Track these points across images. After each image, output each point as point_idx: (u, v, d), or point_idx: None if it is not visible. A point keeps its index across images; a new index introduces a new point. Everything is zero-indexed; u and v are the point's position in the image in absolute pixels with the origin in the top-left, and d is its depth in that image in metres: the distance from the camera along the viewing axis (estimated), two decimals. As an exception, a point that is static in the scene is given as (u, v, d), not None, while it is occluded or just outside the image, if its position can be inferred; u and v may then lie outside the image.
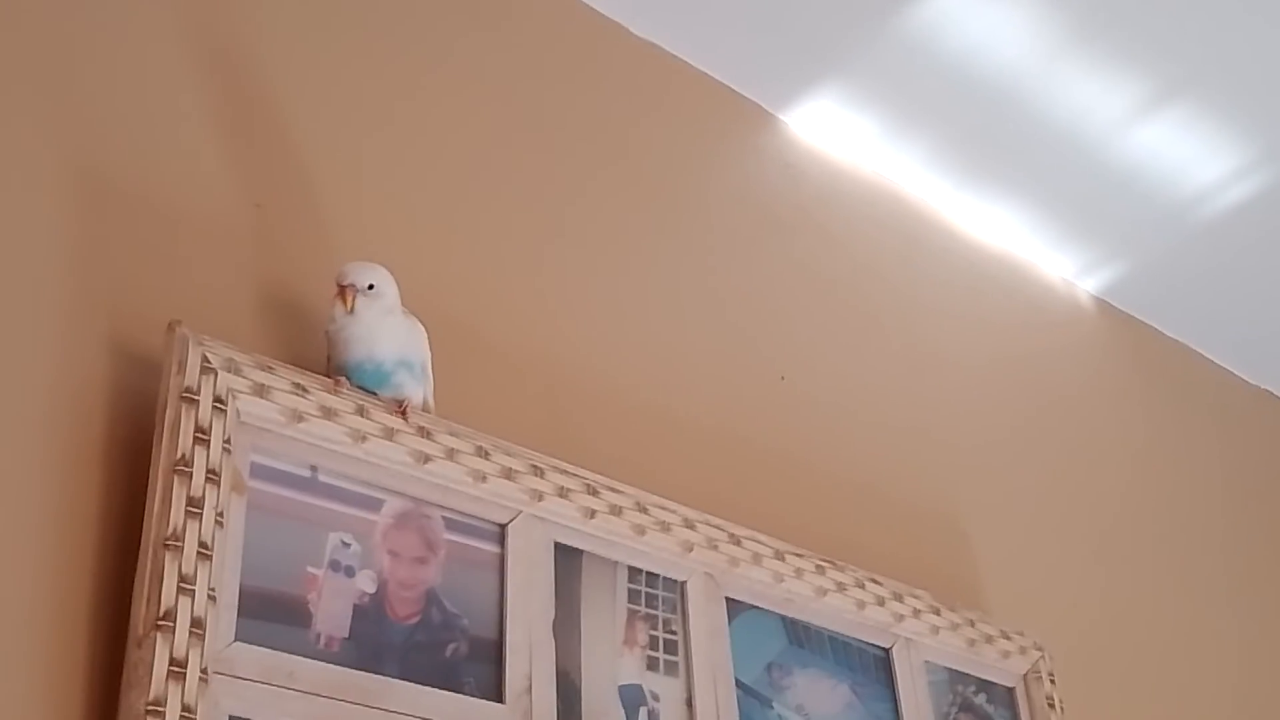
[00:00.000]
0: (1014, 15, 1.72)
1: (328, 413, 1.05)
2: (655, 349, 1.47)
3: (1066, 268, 2.12)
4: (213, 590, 0.93)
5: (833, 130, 1.84)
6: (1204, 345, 2.30)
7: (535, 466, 1.17)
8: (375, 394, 1.09)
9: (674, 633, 1.23)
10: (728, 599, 1.28)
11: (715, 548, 1.28)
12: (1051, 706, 1.49)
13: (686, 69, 1.72)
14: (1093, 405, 2.05)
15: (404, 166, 1.34)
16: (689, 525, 1.27)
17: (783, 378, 1.58)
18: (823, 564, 1.36)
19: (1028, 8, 1.71)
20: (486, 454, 1.14)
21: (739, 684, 1.25)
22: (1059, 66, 1.79)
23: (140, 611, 0.90)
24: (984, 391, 1.86)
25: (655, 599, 1.23)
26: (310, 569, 1.01)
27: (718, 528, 1.29)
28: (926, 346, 1.82)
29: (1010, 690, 1.50)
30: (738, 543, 1.30)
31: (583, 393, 1.36)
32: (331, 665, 0.98)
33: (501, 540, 1.14)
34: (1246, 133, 1.92)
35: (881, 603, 1.39)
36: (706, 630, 1.25)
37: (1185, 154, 1.94)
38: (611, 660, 1.17)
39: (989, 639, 1.48)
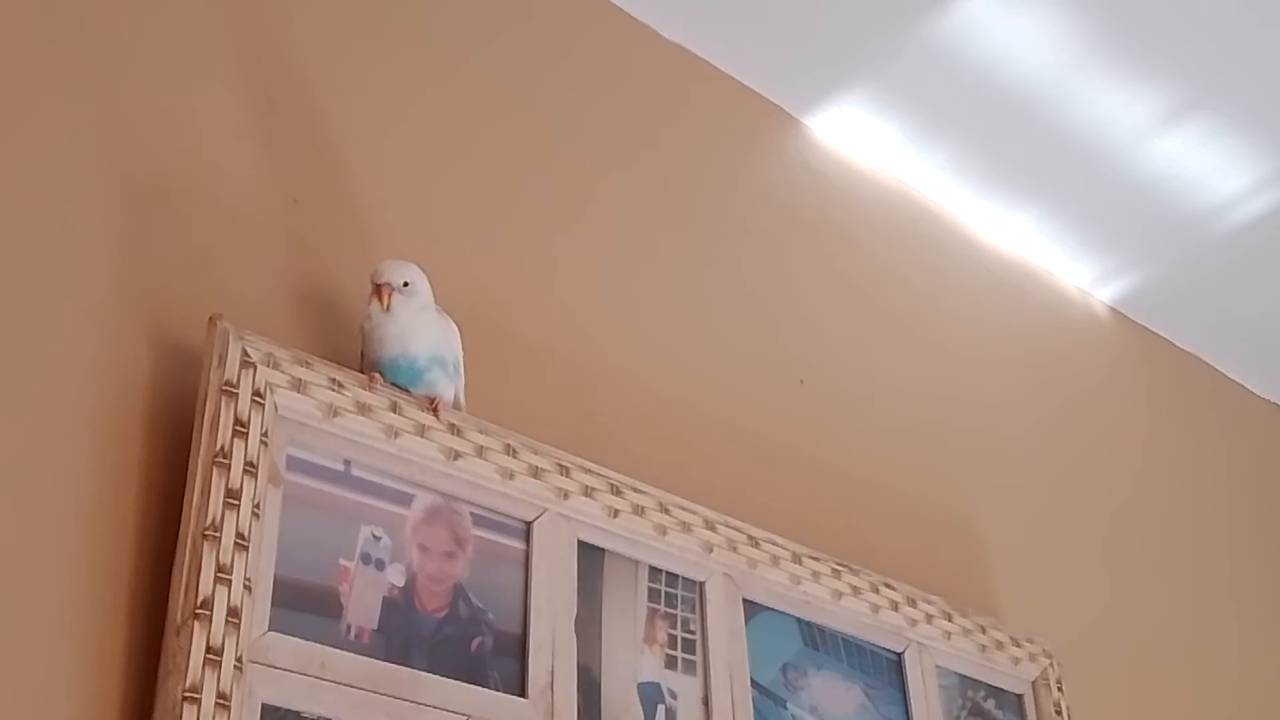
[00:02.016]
0: (1038, 25, 1.73)
1: (362, 408, 1.07)
2: (680, 350, 1.49)
3: (1083, 277, 2.13)
4: (249, 580, 0.95)
5: (856, 135, 1.86)
6: (1215, 357, 2.31)
7: (561, 465, 1.19)
8: (408, 390, 1.11)
9: (692, 632, 1.25)
10: (745, 600, 1.30)
11: (735, 549, 1.30)
12: (1059, 713, 1.51)
13: (714, 72, 1.74)
14: (1105, 414, 2.06)
15: (438, 165, 1.36)
16: (710, 526, 1.29)
17: (802, 381, 1.60)
18: (839, 567, 1.38)
19: (1052, 18, 1.72)
20: (515, 452, 1.16)
21: (755, 684, 1.27)
22: (1082, 77, 1.81)
23: (179, 600, 0.92)
24: (1000, 398, 1.88)
25: (675, 598, 1.25)
26: (342, 561, 1.03)
27: (737, 529, 1.31)
28: (944, 352, 1.83)
29: (1019, 697, 1.51)
30: (756, 545, 1.32)
31: (608, 392, 1.38)
32: (362, 656, 1.00)
33: (527, 537, 1.16)
34: (1266, 147, 1.93)
35: (896, 607, 1.41)
36: (724, 630, 1.27)
37: (1204, 167, 1.96)
38: (631, 657, 1.19)
39: (1000, 645, 1.50)
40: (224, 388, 0.99)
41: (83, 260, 1.05)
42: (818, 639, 1.36)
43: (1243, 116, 1.88)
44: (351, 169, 1.27)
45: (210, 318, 1.02)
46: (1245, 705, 1.94)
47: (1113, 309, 2.18)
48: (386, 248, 1.21)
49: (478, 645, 1.09)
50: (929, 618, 1.44)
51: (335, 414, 1.05)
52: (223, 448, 0.97)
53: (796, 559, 1.35)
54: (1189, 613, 1.95)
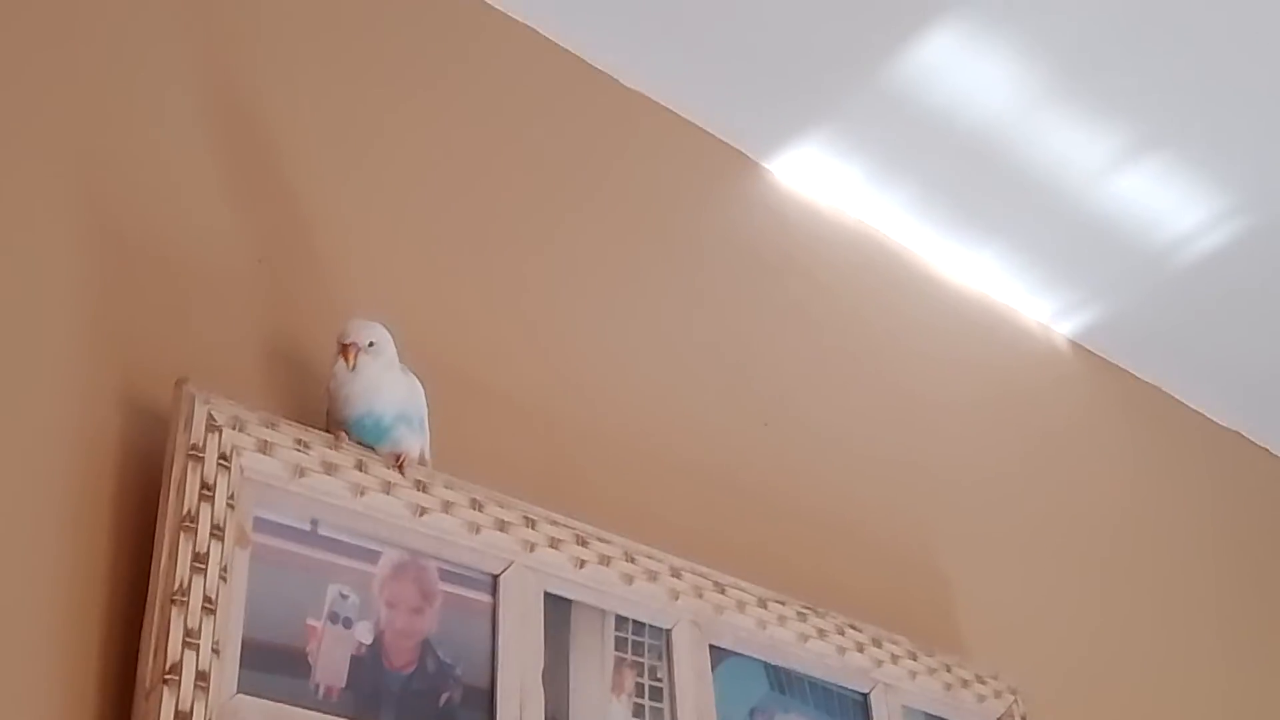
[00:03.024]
0: (997, 68, 1.76)
1: (329, 467, 1.08)
2: (645, 396, 1.51)
3: (1044, 312, 2.16)
4: (217, 644, 0.96)
5: (817, 178, 1.88)
6: (1177, 388, 2.34)
7: (527, 518, 1.20)
8: (374, 448, 1.13)
9: (660, 679, 1.26)
10: (712, 646, 1.31)
11: (700, 595, 1.32)
12: (1024, 750, 1.53)
13: (674, 119, 1.76)
14: (1069, 447, 2.09)
15: (402, 221, 1.37)
16: (675, 574, 1.30)
17: (766, 424, 1.62)
18: (805, 610, 1.40)
19: (1010, 61, 1.76)
20: (480, 506, 1.17)
21: (722, 729, 1.28)
22: (1040, 117, 1.84)
23: (148, 665, 0.93)
24: (963, 435, 1.90)
25: (642, 646, 1.27)
26: (310, 621, 1.04)
27: (703, 576, 1.33)
28: (907, 391, 1.86)
29: (985, 733, 1.53)
30: (722, 591, 1.33)
31: (574, 440, 1.39)
32: (331, 715, 1.01)
33: (494, 590, 1.17)
34: (1220, 183, 1.97)
35: (861, 648, 1.43)
36: (691, 676, 1.28)
37: (1161, 204, 1.99)
38: (600, 707, 1.20)
39: (965, 683, 1.52)
40: (190, 452, 1.00)
41: (51, 321, 1.06)
42: (784, 682, 1.37)
43: (1197, 154, 1.92)
44: (315, 227, 1.29)
45: (176, 381, 1.04)
46: (1209, 736, 1.96)
47: (1074, 343, 2.21)
48: (352, 305, 1.22)
49: (446, 700, 1.10)
50: (894, 658, 1.46)
51: (301, 474, 1.07)
52: (189, 511, 0.98)
53: (762, 603, 1.36)
54: (1154, 646, 1.97)
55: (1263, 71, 1.80)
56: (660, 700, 1.25)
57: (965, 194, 1.94)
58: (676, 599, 1.30)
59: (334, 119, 1.37)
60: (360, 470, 1.10)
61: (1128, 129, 1.87)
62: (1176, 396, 2.35)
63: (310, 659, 1.03)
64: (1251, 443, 2.48)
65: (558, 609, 1.21)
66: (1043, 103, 1.82)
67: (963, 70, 1.76)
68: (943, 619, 1.65)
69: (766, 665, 1.36)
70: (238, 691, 0.97)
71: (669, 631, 1.29)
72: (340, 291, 1.27)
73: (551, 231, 1.53)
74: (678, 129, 1.76)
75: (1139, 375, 2.30)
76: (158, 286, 1.14)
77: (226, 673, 0.97)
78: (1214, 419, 2.41)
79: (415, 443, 1.15)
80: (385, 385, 1.14)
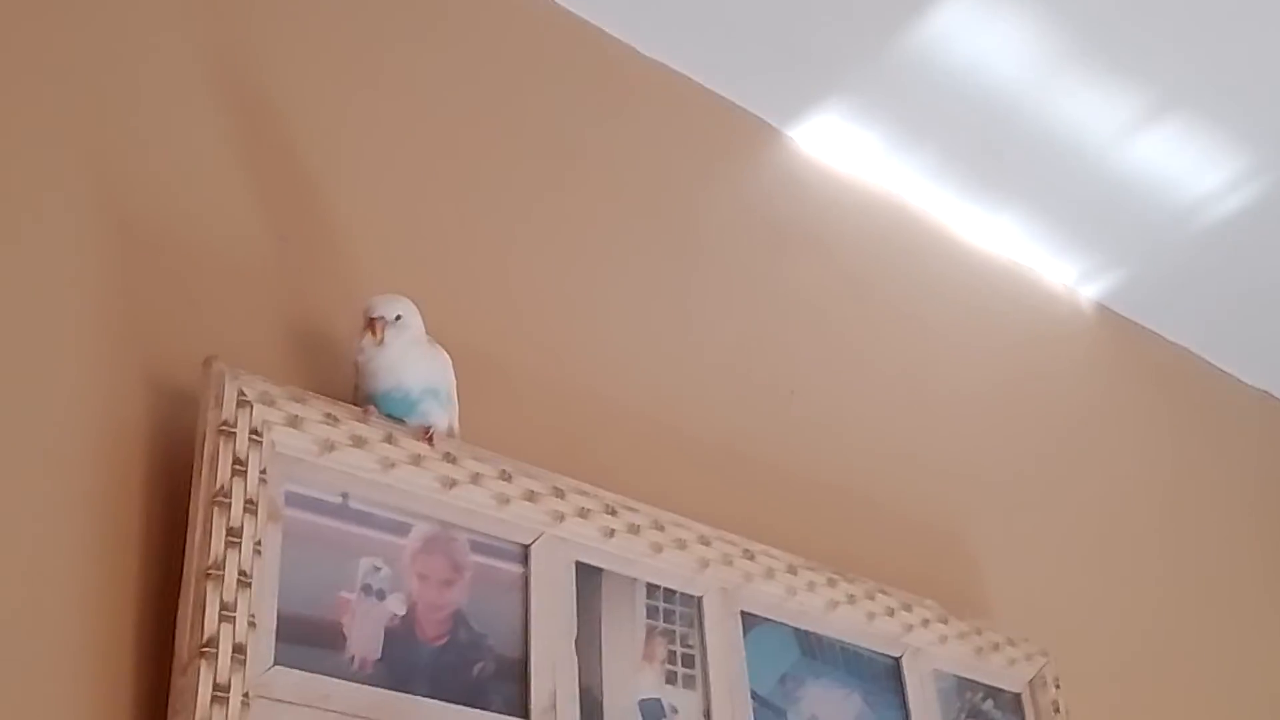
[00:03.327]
0: (1015, 30, 1.75)
1: (358, 441, 1.09)
2: (669, 367, 1.51)
3: (1069, 275, 2.15)
4: (253, 617, 0.97)
5: (838, 145, 1.88)
6: (1204, 349, 2.34)
7: (556, 488, 1.21)
8: (403, 422, 1.13)
9: (691, 647, 1.27)
10: (742, 613, 1.32)
11: (730, 563, 1.32)
12: (1057, 711, 1.53)
13: (694, 88, 1.76)
14: (1095, 411, 2.09)
15: (424, 196, 1.38)
16: (704, 542, 1.31)
17: (792, 392, 1.62)
18: (834, 577, 1.40)
19: (1029, 23, 1.75)
20: (509, 477, 1.18)
21: (754, 695, 1.29)
22: (1059, 80, 1.83)
23: (184, 639, 0.94)
24: (989, 400, 1.90)
25: (673, 614, 1.27)
26: (343, 593, 1.05)
27: (732, 544, 1.33)
28: (931, 357, 1.85)
29: (1017, 696, 1.54)
30: (751, 558, 1.34)
31: (600, 413, 1.40)
32: (365, 686, 1.02)
33: (525, 560, 1.18)
34: (1242, 143, 1.95)
35: (891, 613, 1.43)
36: (722, 644, 1.29)
37: (1183, 163, 1.98)
38: (632, 675, 1.21)
39: (995, 647, 1.52)
40: (221, 428, 1.01)
41: (78, 306, 1.07)
42: (815, 648, 1.38)
43: (1218, 112, 1.91)
44: (338, 204, 1.30)
45: (205, 359, 1.04)
46: (1239, 696, 1.96)
47: (1100, 305, 2.20)
48: (376, 281, 1.23)
49: (479, 670, 1.11)
50: (924, 622, 1.46)
51: (331, 448, 1.07)
52: (222, 487, 0.99)
53: (792, 570, 1.37)
54: (1183, 605, 1.97)
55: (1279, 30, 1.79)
56: (692, 667, 1.26)
57: (986, 158, 1.94)
58: (706, 567, 1.30)
59: (351, 97, 1.37)
60: (389, 443, 1.11)
61: (1147, 89, 1.86)
62: (1204, 357, 2.34)
63: (345, 631, 1.04)
64: (1281, 402, 2.47)
65: (588, 579, 1.22)
66: (1061, 64, 1.81)
67: (981, 34, 1.75)
68: (971, 585, 1.65)
69: (797, 631, 1.37)
70: (274, 664, 0.98)
71: (699, 599, 1.29)
72: (364, 267, 1.27)
73: (574, 203, 1.53)
74: (698, 98, 1.76)
75: (1166, 336, 2.29)
76: (182, 269, 1.15)
77: (262, 645, 0.97)
78: (1242, 379, 2.40)
79: (443, 416, 1.16)
80: (412, 359, 1.14)
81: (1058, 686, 1.55)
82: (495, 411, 1.27)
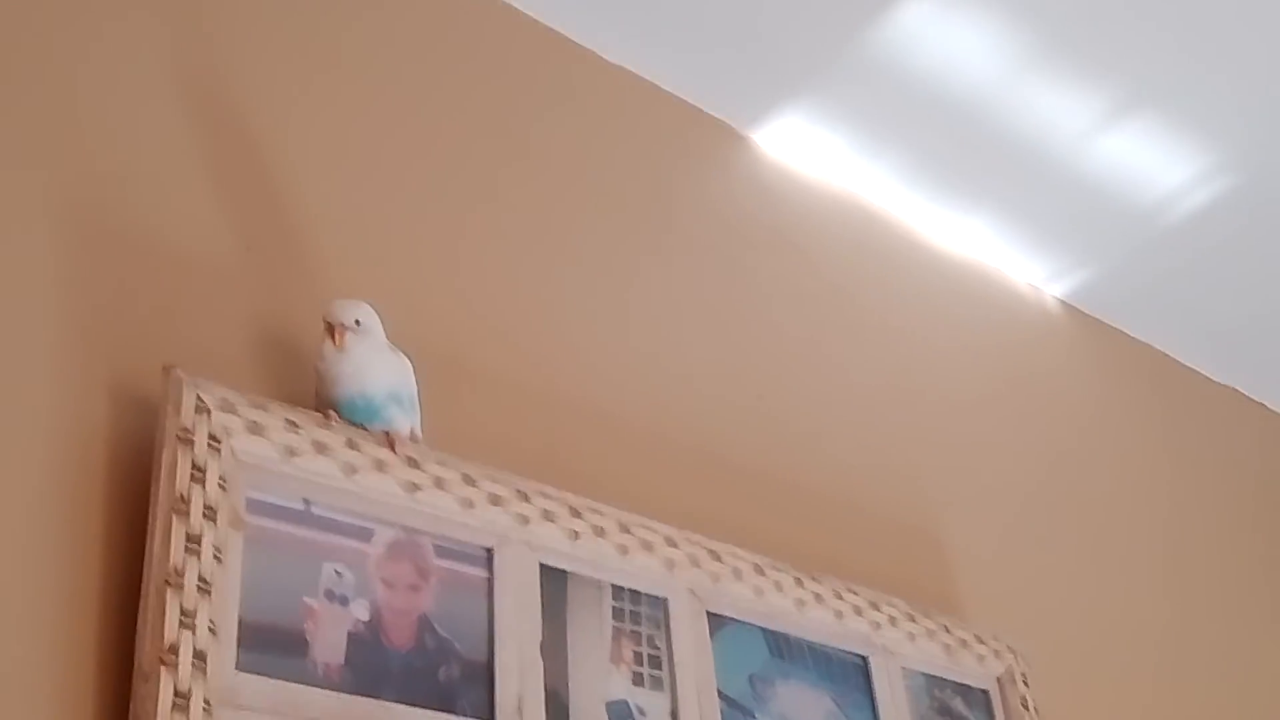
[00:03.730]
0: (980, 32, 1.76)
1: (320, 448, 1.09)
2: (635, 369, 1.51)
3: (1035, 274, 2.17)
4: (213, 624, 0.96)
5: (803, 148, 1.89)
6: (1170, 346, 2.35)
7: (520, 492, 1.21)
8: (365, 428, 1.13)
9: (658, 648, 1.27)
10: (710, 614, 1.32)
11: (697, 565, 1.32)
12: (1025, 708, 1.53)
13: (659, 93, 1.77)
14: (1063, 409, 2.10)
15: (386, 202, 1.38)
16: (671, 543, 1.31)
17: (760, 396, 1.62)
18: (801, 577, 1.40)
19: (993, 25, 1.76)
20: (473, 482, 1.18)
21: (722, 696, 1.29)
22: (1024, 81, 1.84)
23: (145, 647, 0.94)
24: (958, 400, 1.91)
25: (639, 616, 1.27)
26: (307, 600, 1.05)
27: (699, 545, 1.33)
28: (899, 358, 1.86)
29: (985, 693, 1.54)
30: (718, 559, 1.34)
31: (566, 415, 1.40)
32: (330, 692, 1.02)
33: (489, 565, 1.18)
34: (1206, 141, 1.97)
35: (859, 612, 1.44)
36: (690, 645, 1.29)
37: (1148, 163, 1.99)
38: (599, 678, 1.21)
39: (964, 644, 1.53)
40: (179, 434, 1.01)
41: (38, 311, 1.06)
42: (784, 649, 1.38)
43: (1181, 112, 1.92)
44: (301, 210, 1.29)
45: (164, 366, 1.04)
46: (1209, 692, 1.97)
47: (1066, 304, 2.22)
48: (338, 287, 1.23)
49: (445, 674, 1.11)
50: (893, 621, 1.46)
51: (293, 455, 1.07)
52: (181, 494, 0.99)
53: (759, 571, 1.37)
54: (1152, 602, 1.98)
55: (1244, 29, 1.80)
56: (660, 669, 1.26)
57: (952, 160, 1.95)
58: (673, 568, 1.30)
59: (317, 105, 1.38)
60: (352, 449, 1.11)
61: (1112, 89, 1.87)
62: (1171, 355, 2.36)
63: (308, 637, 1.03)
64: (1248, 398, 2.48)
65: (554, 582, 1.22)
66: (1027, 66, 1.82)
67: (945, 36, 1.76)
68: (940, 582, 1.66)
69: (765, 632, 1.37)
70: (237, 671, 0.98)
71: (666, 601, 1.30)
72: (327, 274, 1.27)
73: (538, 209, 1.53)
74: (662, 103, 1.77)
75: (1133, 335, 2.30)
76: (144, 276, 1.15)
77: (224, 652, 0.97)
78: (1210, 376, 2.42)
79: (406, 421, 1.16)
80: (375, 365, 1.14)
81: (1027, 684, 1.56)
82: (458, 416, 1.27)
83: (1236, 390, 2.46)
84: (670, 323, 1.59)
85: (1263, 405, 2.50)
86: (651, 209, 1.67)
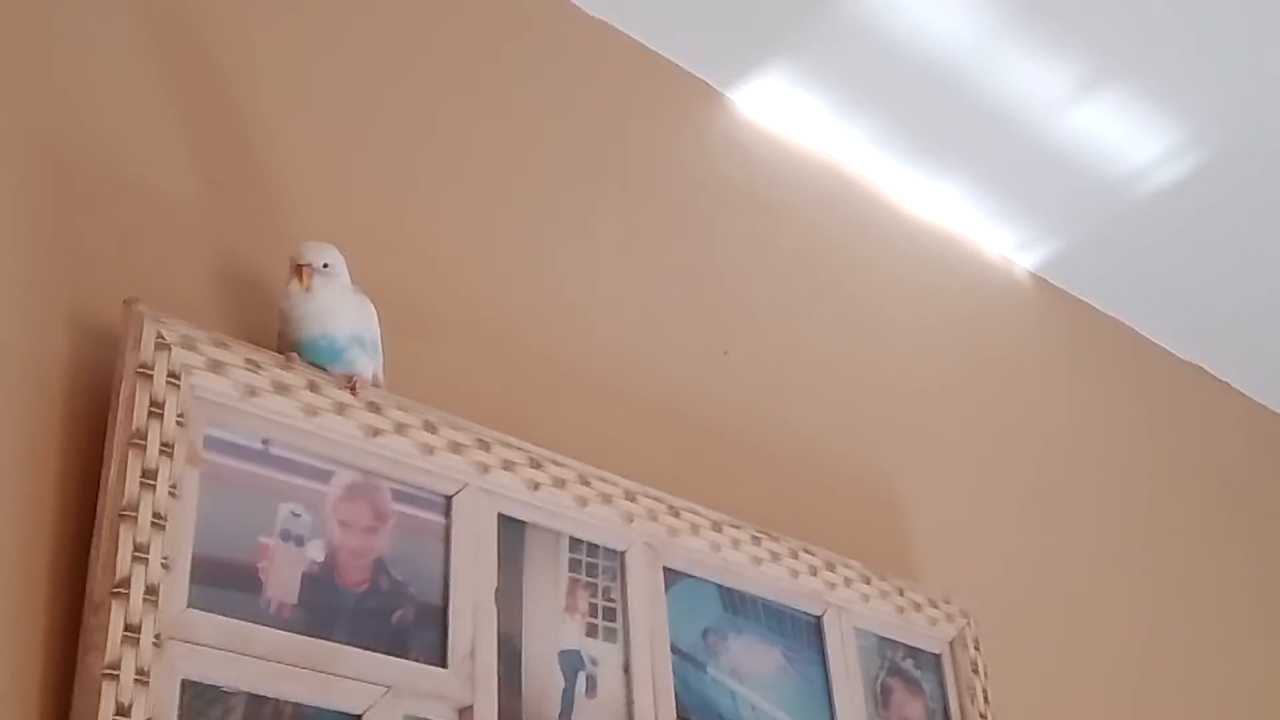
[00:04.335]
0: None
1: (280, 388, 1.09)
2: (602, 322, 1.51)
3: (1005, 244, 2.17)
4: (166, 559, 0.97)
5: (780, 109, 1.88)
6: (1138, 321, 2.36)
7: (481, 440, 1.21)
8: (327, 370, 1.13)
9: (613, 600, 1.28)
10: (666, 568, 1.33)
11: (655, 519, 1.33)
12: (976, 672, 1.55)
13: (638, 48, 1.76)
14: (1028, 379, 2.11)
15: (356, 145, 1.37)
16: (630, 497, 1.32)
17: (726, 352, 1.63)
18: (759, 535, 1.41)
19: (970, -8, 1.76)
20: (434, 428, 1.18)
21: (675, 649, 1.30)
22: (999, 49, 1.84)
23: (96, 579, 0.94)
24: (922, 365, 1.92)
25: (596, 568, 1.28)
26: (262, 538, 1.05)
27: (657, 499, 1.34)
28: (866, 320, 1.87)
29: (937, 656, 1.56)
30: (676, 514, 1.35)
31: (530, 366, 1.40)
32: (282, 631, 1.03)
33: (448, 511, 1.18)
34: (1178, 115, 1.97)
35: (814, 572, 1.45)
36: (645, 598, 1.30)
37: (1119, 135, 2.00)
38: (553, 627, 1.22)
39: (917, 607, 1.54)
40: (139, 370, 1.00)
41: (1, 239, 1.06)
42: (738, 604, 1.39)
43: (1155, 86, 1.92)
44: (269, 150, 1.29)
45: (125, 300, 1.04)
46: (1161, 660, 2.00)
47: (1035, 275, 2.23)
48: (305, 228, 1.22)
49: (399, 618, 1.12)
50: (847, 581, 1.48)
51: (253, 394, 1.07)
52: (138, 429, 0.99)
53: (716, 527, 1.38)
54: (1107, 572, 2.00)
55: (1220, 5, 1.80)
56: (614, 621, 1.27)
57: (926, 126, 1.95)
58: (631, 522, 1.31)
59: (286, 45, 1.36)
60: (312, 391, 1.11)
61: (1086, 60, 1.87)
62: (1139, 330, 2.37)
63: (262, 575, 1.04)
64: (1214, 377, 2.50)
65: (512, 531, 1.23)
66: (1003, 34, 1.82)
67: (924, 1, 1.76)
68: (897, 544, 1.67)
69: (720, 587, 1.38)
70: (188, 606, 0.98)
71: (623, 554, 1.30)
72: (292, 215, 1.26)
73: (509, 157, 1.52)
74: (641, 57, 1.76)
75: (1100, 308, 2.31)
76: (110, 209, 1.14)
77: (176, 587, 0.98)
78: (1176, 353, 2.43)
79: (368, 365, 1.16)
80: (339, 307, 1.14)
81: (978, 648, 1.58)
82: (422, 362, 1.27)
83: (1202, 368, 2.48)
84: (638, 278, 1.60)
85: (1227, 384, 2.52)
86: (625, 163, 1.67)
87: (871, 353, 1.84)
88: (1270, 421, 2.59)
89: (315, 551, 1.08)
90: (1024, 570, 1.85)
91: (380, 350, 1.18)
